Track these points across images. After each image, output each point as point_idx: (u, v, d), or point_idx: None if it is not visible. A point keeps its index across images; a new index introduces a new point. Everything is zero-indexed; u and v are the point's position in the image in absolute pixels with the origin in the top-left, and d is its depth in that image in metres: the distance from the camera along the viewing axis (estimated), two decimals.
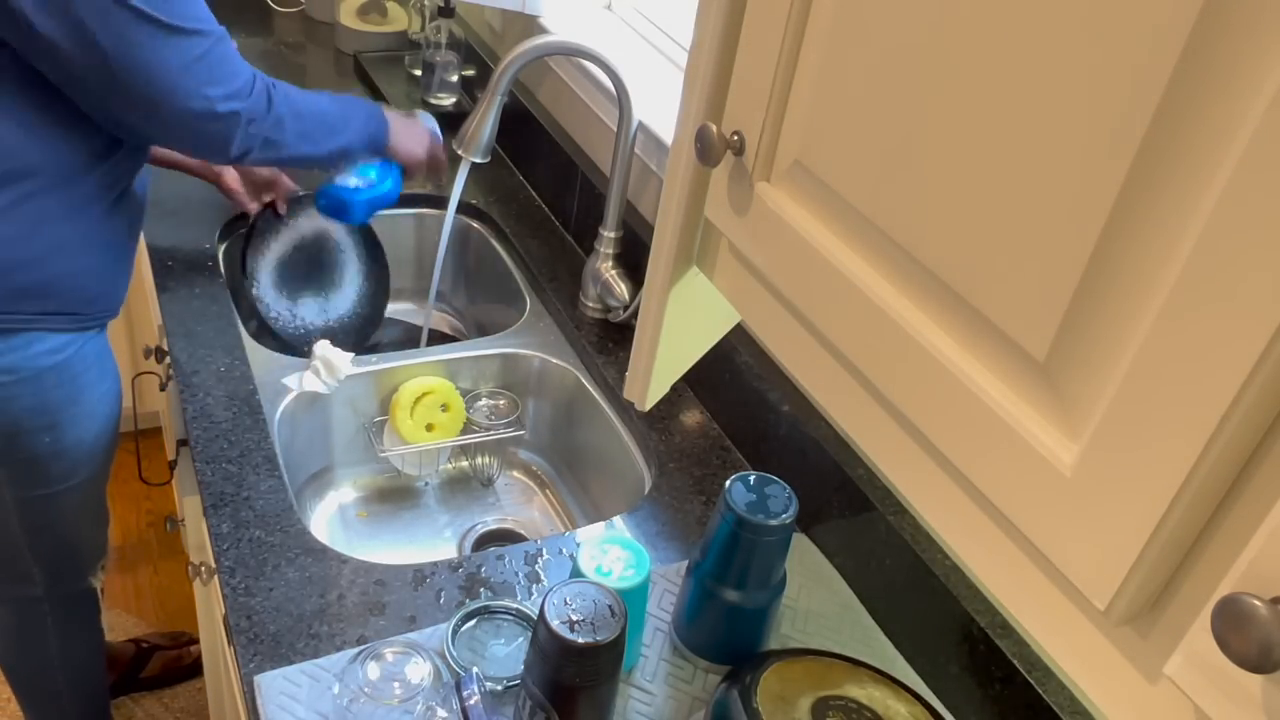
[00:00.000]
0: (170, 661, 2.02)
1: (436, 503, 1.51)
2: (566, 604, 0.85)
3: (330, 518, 1.44)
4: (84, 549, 1.51)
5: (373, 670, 0.89)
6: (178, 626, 2.11)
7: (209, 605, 1.44)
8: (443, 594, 1.08)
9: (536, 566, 1.13)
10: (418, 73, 2.04)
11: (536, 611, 0.86)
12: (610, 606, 0.85)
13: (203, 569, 1.31)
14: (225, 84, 1.15)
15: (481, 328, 1.78)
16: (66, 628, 1.58)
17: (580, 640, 0.83)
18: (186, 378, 1.31)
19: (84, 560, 1.53)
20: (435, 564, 1.12)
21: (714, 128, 0.71)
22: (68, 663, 1.62)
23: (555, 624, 0.83)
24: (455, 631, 1.03)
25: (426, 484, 1.53)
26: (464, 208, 1.79)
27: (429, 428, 1.44)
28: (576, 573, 0.95)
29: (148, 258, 1.54)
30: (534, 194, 1.82)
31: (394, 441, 1.44)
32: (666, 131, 1.42)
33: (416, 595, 1.08)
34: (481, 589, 1.09)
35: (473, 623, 1.05)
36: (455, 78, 1.98)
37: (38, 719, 1.69)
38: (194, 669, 2.01)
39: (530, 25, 1.77)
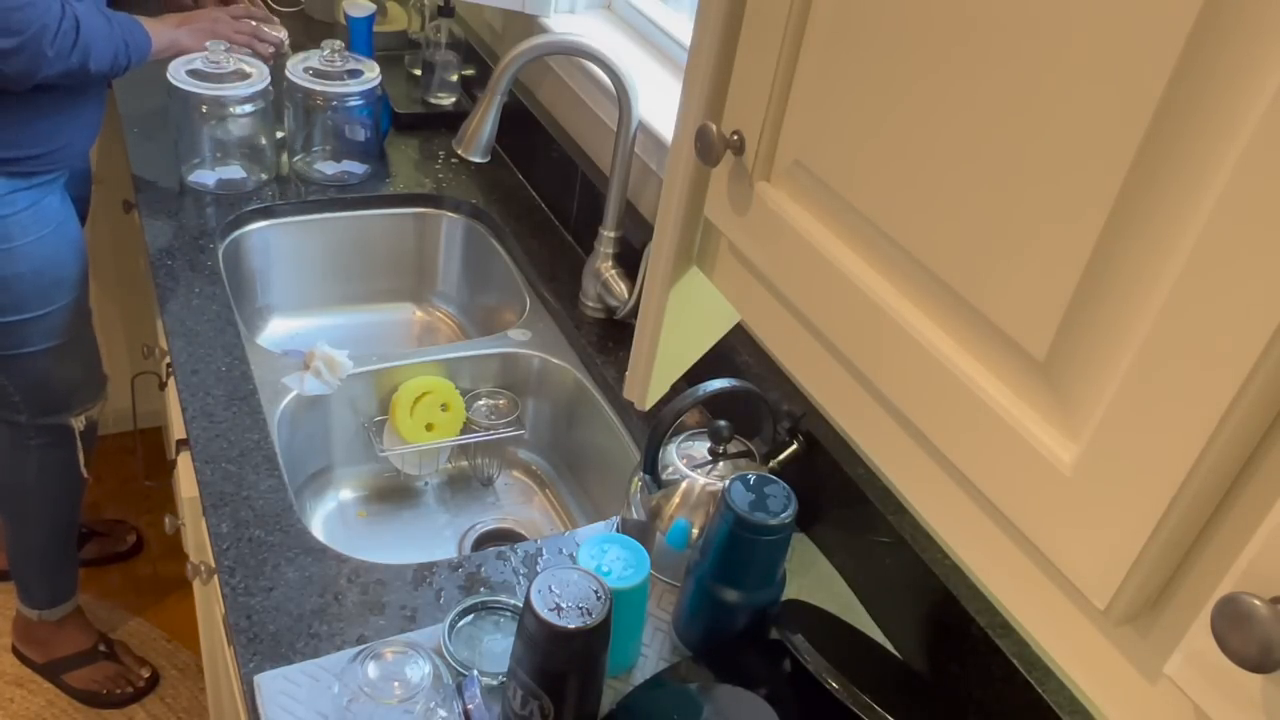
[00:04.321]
0: (106, 546, 2.25)
1: (436, 502, 1.51)
2: (551, 591, 0.85)
3: (330, 517, 1.44)
4: (57, 385, 1.66)
5: (372, 670, 0.89)
6: (179, 626, 2.11)
7: (209, 605, 1.44)
8: (442, 594, 1.08)
9: (536, 566, 1.13)
10: (418, 72, 2.04)
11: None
12: (595, 590, 0.85)
13: (203, 569, 1.31)
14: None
15: (482, 327, 1.78)
16: (44, 458, 1.74)
17: (569, 625, 0.83)
18: (186, 378, 1.31)
19: (59, 397, 1.68)
20: (435, 564, 1.12)
21: (714, 127, 0.71)
22: (42, 493, 1.78)
23: (542, 611, 0.83)
24: (452, 627, 1.03)
25: (426, 484, 1.53)
26: (464, 207, 1.79)
27: (429, 427, 1.44)
28: None
29: (148, 258, 1.54)
30: (534, 194, 1.82)
31: (394, 441, 1.44)
32: (666, 131, 1.42)
33: (416, 595, 1.08)
34: (481, 589, 1.09)
35: (470, 618, 1.05)
36: (455, 77, 1.98)
37: (11, 538, 1.85)
38: (128, 554, 2.27)
39: (530, 25, 1.77)
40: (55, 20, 1.31)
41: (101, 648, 2.00)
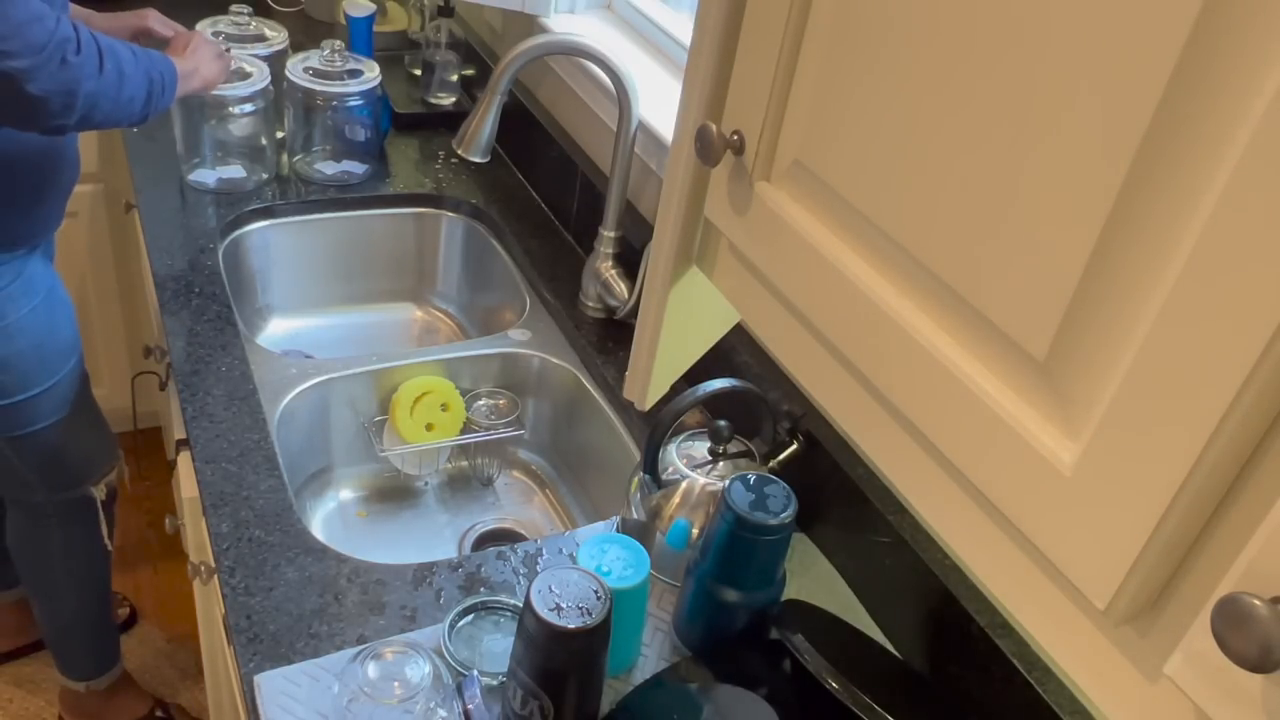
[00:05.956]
0: None
1: (436, 502, 1.51)
2: (551, 591, 0.85)
3: (330, 517, 1.44)
4: (72, 458, 1.58)
5: (372, 670, 0.89)
6: (178, 625, 2.11)
7: (209, 605, 1.44)
8: (442, 594, 1.08)
9: (536, 566, 1.13)
10: (418, 72, 2.04)
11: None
12: (595, 590, 0.86)
13: (203, 569, 1.31)
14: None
15: (482, 327, 1.78)
16: (68, 532, 1.66)
17: (569, 625, 0.83)
18: (186, 378, 1.31)
19: (76, 469, 1.60)
20: (435, 564, 1.12)
21: (714, 127, 0.71)
22: (68, 568, 1.70)
23: (542, 611, 0.83)
24: (452, 627, 1.03)
25: (426, 484, 1.53)
26: (464, 207, 1.79)
27: (429, 427, 1.44)
28: None
29: (148, 257, 1.54)
30: (534, 194, 1.82)
31: (394, 441, 1.44)
32: (666, 131, 1.42)
33: (416, 595, 1.08)
34: (481, 589, 1.09)
35: (470, 618, 1.06)
36: (455, 77, 1.98)
37: (43, 614, 1.76)
38: (121, 628, 2.07)
39: (530, 25, 1.77)
40: (68, 33, 1.15)
41: (158, 713, 1.92)
